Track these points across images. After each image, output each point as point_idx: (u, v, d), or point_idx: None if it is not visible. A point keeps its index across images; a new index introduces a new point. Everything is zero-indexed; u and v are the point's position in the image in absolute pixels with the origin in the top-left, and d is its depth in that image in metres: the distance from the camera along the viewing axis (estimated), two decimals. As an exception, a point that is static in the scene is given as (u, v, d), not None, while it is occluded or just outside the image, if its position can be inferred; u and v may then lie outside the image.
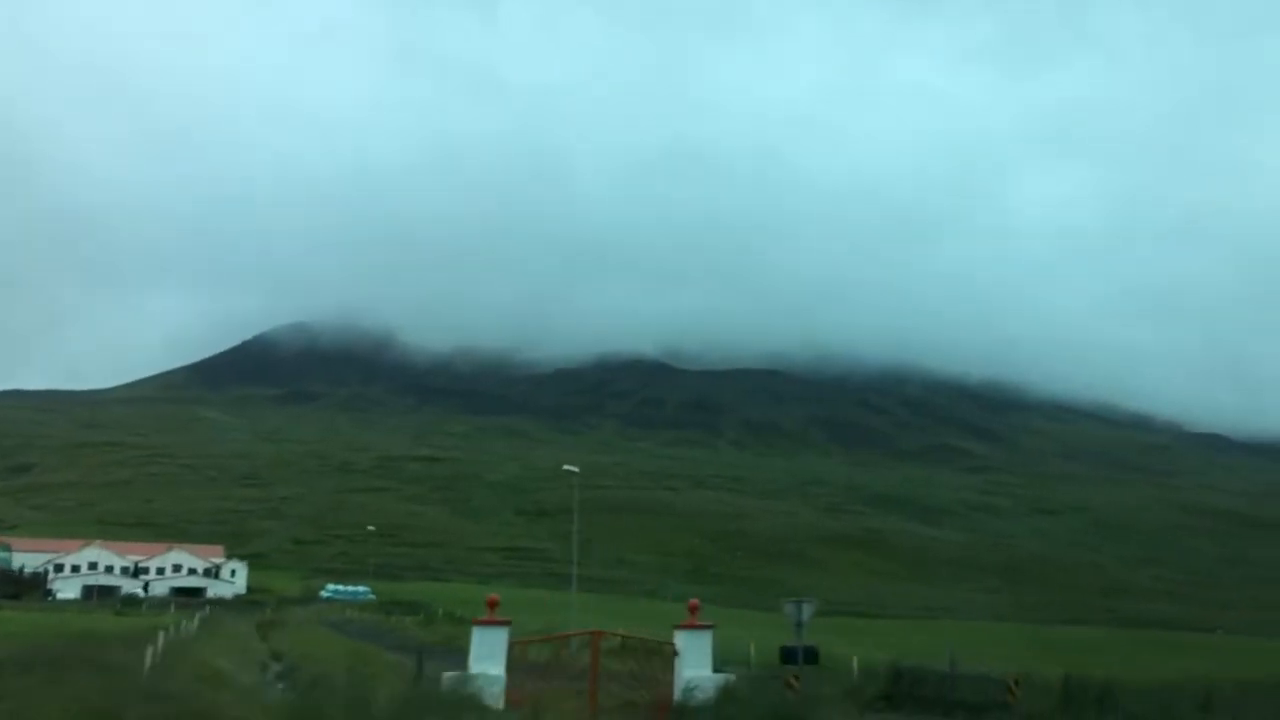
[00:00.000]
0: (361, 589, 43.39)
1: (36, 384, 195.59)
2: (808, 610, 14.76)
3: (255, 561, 57.19)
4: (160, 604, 49.03)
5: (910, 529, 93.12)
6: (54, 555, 66.28)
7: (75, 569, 64.43)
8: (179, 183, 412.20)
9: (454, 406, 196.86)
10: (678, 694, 12.47)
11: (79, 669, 10.48)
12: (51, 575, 63.64)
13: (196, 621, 27.30)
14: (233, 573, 61.82)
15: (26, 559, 65.96)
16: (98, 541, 68.08)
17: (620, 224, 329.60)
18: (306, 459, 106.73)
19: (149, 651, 12.70)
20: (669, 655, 12.80)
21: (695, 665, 12.71)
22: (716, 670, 13.20)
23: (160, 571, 64.76)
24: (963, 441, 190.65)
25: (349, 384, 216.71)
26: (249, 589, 59.65)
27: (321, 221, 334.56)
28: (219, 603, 50.86)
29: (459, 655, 14.11)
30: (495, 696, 11.65)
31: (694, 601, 13.56)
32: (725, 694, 12.50)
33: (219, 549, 66.84)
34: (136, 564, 65.91)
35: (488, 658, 12.06)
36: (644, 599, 58.88)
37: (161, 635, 15.90)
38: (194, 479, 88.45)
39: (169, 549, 65.96)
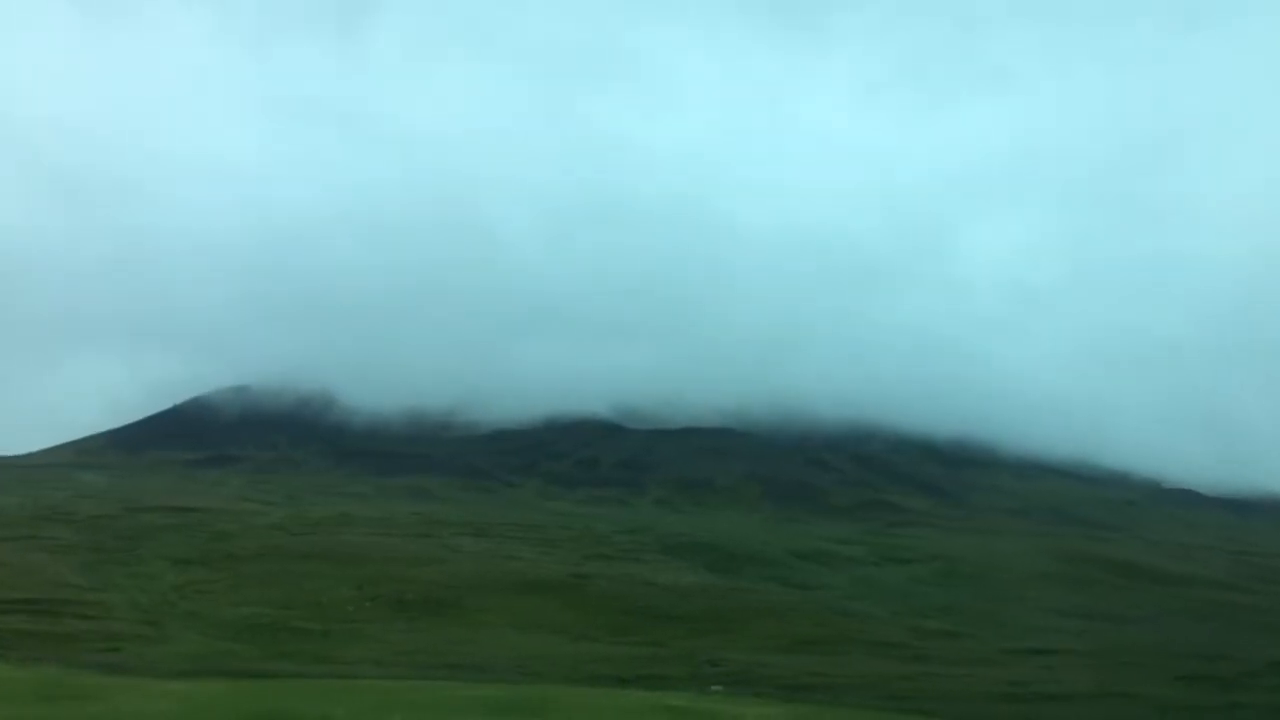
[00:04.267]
0: None
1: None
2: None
3: None
4: None
5: (650, 577, 78.94)
6: None
7: None
8: (96, 243, 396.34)
9: (372, 468, 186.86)
10: None
11: None
12: None
13: None
14: None
15: None
16: None
17: (556, 277, 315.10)
18: (48, 514, 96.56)
19: None
20: None
21: None
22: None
23: None
24: (905, 499, 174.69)
25: (279, 447, 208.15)
26: None
27: (248, 281, 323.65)
28: None
29: None
30: None
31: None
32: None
33: None
34: None
35: None
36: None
37: None
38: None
39: None
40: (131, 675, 39.00)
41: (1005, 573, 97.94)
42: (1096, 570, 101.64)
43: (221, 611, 61.16)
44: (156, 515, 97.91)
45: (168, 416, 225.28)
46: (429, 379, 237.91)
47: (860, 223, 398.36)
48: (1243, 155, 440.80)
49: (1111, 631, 68.47)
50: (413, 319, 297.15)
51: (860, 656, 54.80)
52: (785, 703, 33.23)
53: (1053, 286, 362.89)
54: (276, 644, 52.68)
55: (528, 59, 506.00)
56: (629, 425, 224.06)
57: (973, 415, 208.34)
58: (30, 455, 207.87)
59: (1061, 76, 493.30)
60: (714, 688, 38.16)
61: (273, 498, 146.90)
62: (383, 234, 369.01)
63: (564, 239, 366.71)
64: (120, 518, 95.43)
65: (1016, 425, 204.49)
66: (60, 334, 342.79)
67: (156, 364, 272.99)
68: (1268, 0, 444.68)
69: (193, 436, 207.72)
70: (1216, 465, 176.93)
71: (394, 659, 48.68)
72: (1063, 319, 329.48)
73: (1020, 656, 55.90)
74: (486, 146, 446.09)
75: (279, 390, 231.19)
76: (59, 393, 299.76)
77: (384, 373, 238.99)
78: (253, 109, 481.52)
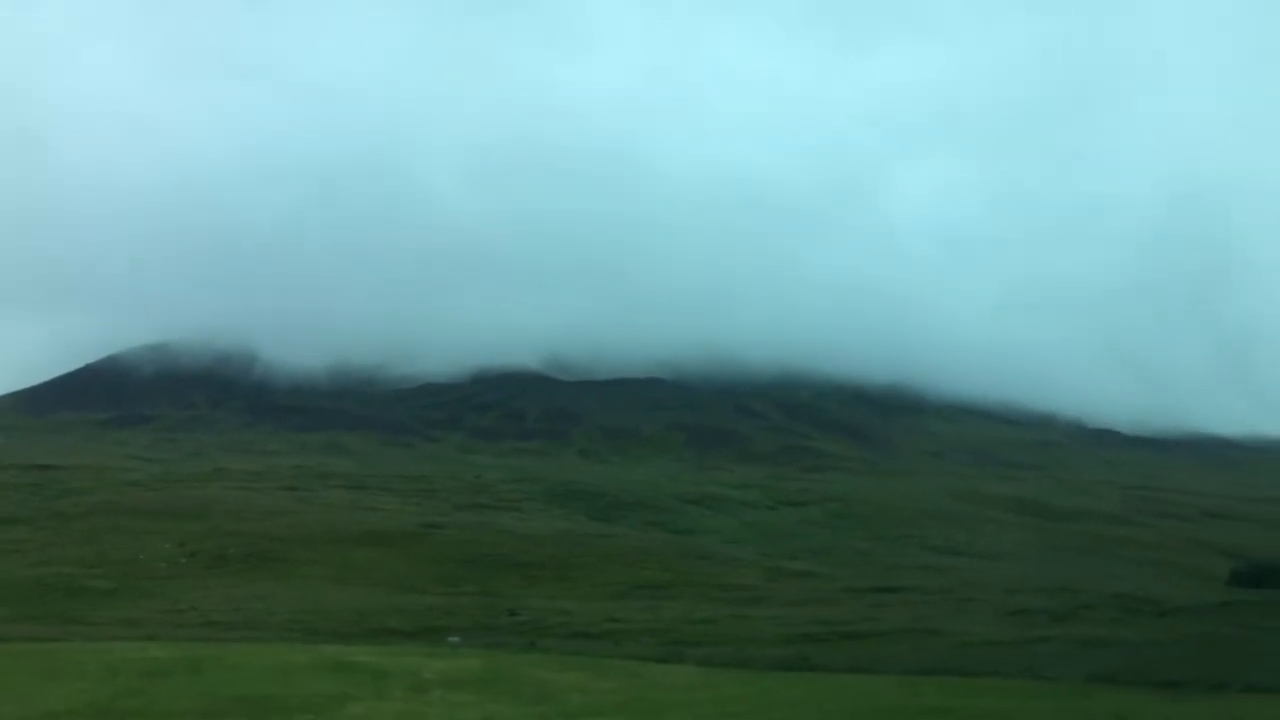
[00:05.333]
0: None
1: None
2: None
3: None
4: None
5: (511, 526, 75.70)
6: None
7: None
8: (4, 198, 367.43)
9: (292, 424, 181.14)
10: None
11: None
12: None
13: None
14: None
15: None
16: None
17: (481, 227, 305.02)
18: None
19: None
20: None
21: None
22: None
23: None
24: (828, 444, 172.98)
25: (196, 406, 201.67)
26: None
27: (165, 235, 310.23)
28: None
29: None
30: None
31: None
32: None
33: None
34: None
35: None
36: None
37: None
38: None
39: None
40: None
41: (898, 513, 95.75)
42: (993, 509, 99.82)
43: (17, 571, 57.02)
44: (8, 474, 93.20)
45: (81, 375, 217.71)
46: (353, 334, 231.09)
47: (785, 168, 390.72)
48: (1163, 101, 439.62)
49: (975, 568, 66.15)
50: (336, 272, 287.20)
51: (686, 601, 51.78)
52: (511, 652, 30.09)
53: (976, 231, 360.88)
54: (39, 606, 48.64)
55: (447, 5, 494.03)
56: (557, 376, 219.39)
57: (899, 360, 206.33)
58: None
59: (982, 21, 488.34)
60: (451, 639, 34.82)
61: (170, 455, 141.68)
62: (304, 186, 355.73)
63: (488, 188, 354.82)
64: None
65: (942, 369, 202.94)
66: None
67: (70, 322, 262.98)
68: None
69: (106, 396, 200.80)
70: (1138, 406, 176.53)
71: (157, 618, 44.88)
72: (987, 263, 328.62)
73: (860, 595, 53.17)
74: (407, 96, 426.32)
75: (198, 348, 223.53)
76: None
77: (307, 328, 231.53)
78: (165, 60, 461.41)
